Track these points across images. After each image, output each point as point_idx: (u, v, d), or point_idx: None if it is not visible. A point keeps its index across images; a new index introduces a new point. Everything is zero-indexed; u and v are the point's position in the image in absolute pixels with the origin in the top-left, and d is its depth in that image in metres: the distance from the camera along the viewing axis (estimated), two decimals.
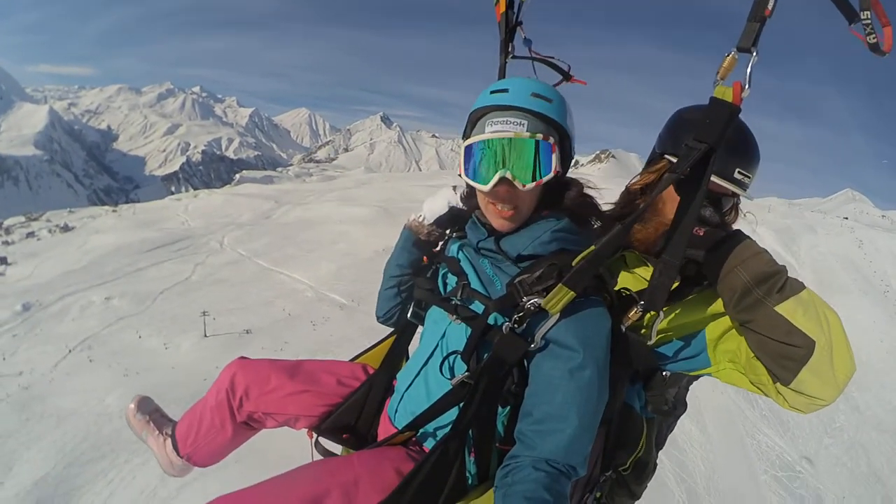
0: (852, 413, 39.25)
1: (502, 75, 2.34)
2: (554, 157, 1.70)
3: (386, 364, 2.41)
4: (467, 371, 1.73)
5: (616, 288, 1.88)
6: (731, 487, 31.21)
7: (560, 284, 1.57)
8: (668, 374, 2.02)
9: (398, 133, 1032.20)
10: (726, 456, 33.63)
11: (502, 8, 2.23)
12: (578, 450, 1.57)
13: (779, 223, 75.85)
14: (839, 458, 35.08)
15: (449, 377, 1.78)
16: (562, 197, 1.83)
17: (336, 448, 2.37)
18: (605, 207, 2.16)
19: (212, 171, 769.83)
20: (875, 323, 49.53)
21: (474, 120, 1.81)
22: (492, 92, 1.77)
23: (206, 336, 49.93)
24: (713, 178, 1.82)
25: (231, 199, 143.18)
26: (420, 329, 2.22)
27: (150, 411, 2.59)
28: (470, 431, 1.71)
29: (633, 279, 2.02)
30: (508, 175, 1.69)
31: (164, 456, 2.44)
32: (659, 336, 1.80)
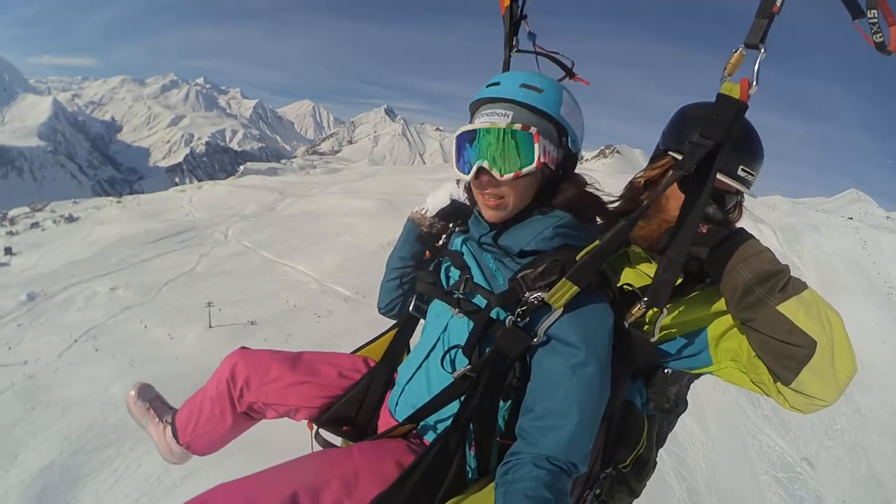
0: (854, 415, 39.33)
1: (507, 69, 2.31)
2: (537, 148, 1.66)
3: (387, 357, 2.40)
4: (469, 365, 1.72)
5: (619, 284, 1.86)
6: (732, 487, 31.35)
7: (564, 279, 1.55)
8: (670, 371, 2.01)
9: (402, 126, 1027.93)
10: (727, 455, 33.73)
11: (507, 1, 2.22)
12: (579, 446, 1.56)
13: (783, 222, 75.81)
14: (840, 459, 35.18)
15: (450, 371, 1.76)
16: (562, 192, 1.79)
17: (336, 440, 2.35)
18: (608, 203, 2.15)
19: (216, 162, 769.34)
20: (878, 325, 49.53)
21: (471, 113, 1.84)
22: (487, 86, 1.79)
23: (210, 327, 50.18)
24: (718, 176, 1.75)
25: (235, 190, 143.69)
26: (422, 322, 2.19)
27: (151, 398, 2.58)
28: (471, 425, 1.71)
29: (637, 275, 2.02)
30: (486, 164, 1.69)
31: (164, 443, 2.44)
32: (661, 333, 1.77)
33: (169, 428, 2.44)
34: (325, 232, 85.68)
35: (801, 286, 1.59)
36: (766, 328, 1.57)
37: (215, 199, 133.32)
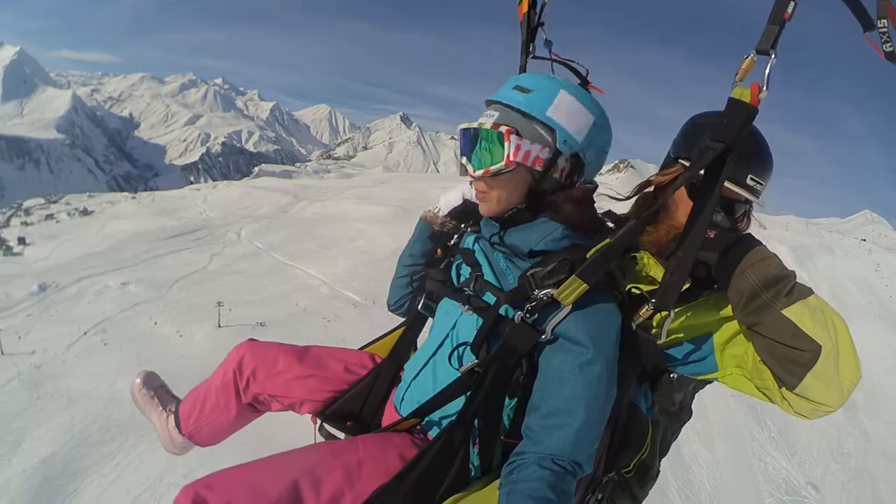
0: (861, 439, 38.84)
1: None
2: (507, 146, 1.70)
3: (394, 354, 2.41)
4: (476, 361, 1.74)
5: (627, 287, 1.87)
6: None
7: (574, 276, 1.57)
8: (675, 377, 2.05)
9: (417, 133, 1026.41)
10: (733, 477, 33.37)
11: (525, 8, 2.25)
12: (585, 446, 1.57)
13: (796, 241, 75.11)
14: (845, 484, 34.73)
15: (457, 367, 1.78)
16: (558, 207, 1.79)
17: (340, 435, 2.37)
18: (620, 199, 2.24)
19: (231, 162, 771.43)
20: (888, 348, 48.86)
21: None
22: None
23: (220, 326, 50.09)
24: (726, 184, 1.80)
25: (249, 191, 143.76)
26: (430, 322, 2.23)
27: (156, 387, 2.60)
28: (476, 422, 1.73)
29: (645, 279, 2.01)
30: (464, 161, 1.81)
31: (166, 433, 2.45)
32: (668, 337, 1.78)
33: (172, 417, 2.45)
34: (338, 236, 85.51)
35: (807, 291, 1.60)
36: (771, 332, 1.58)
37: (229, 200, 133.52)
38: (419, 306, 2.32)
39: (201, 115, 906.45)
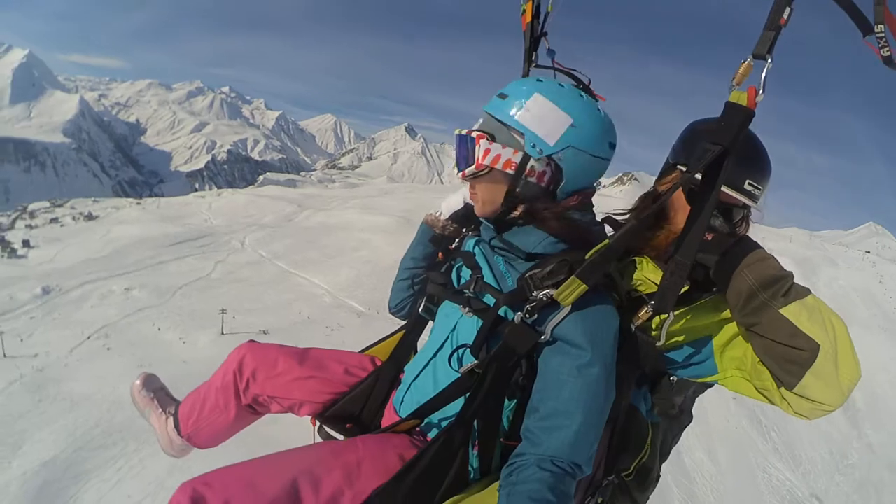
0: (865, 451, 38.54)
1: None
2: (477, 150, 1.77)
3: (394, 357, 2.40)
4: (476, 362, 1.74)
5: (627, 289, 1.91)
6: None
7: (573, 276, 1.58)
8: (675, 379, 2.03)
9: (422, 144, 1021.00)
10: (737, 488, 33.13)
11: (528, 18, 2.29)
12: (584, 447, 1.58)
13: (800, 254, 74.69)
14: (849, 496, 34.48)
15: (457, 369, 1.79)
16: (543, 218, 1.82)
17: (339, 437, 2.33)
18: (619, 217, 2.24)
19: (236, 170, 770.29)
20: (893, 359, 48.26)
21: None
22: None
23: (223, 334, 50.10)
24: (724, 189, 1.83)
25: (254, 199, 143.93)
26: (430, 325, 2.24)
27: (156, 389, 2.59)
28: (475, 423, 1.73)
29: (644, 283, 2.02)
30: (453, 164, 1.90)
31: (165, 435, 2.44)
32: (668, 339, 1.80)
33: (171, 419, 2.44)
34: (342, 246, 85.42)
35: (805, 291, 1.62)
36: (769, 332, 1.60)
37: (234, 207, 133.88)
38: (420, 309, 2.31)
39: (208, 122, 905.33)
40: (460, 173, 1.86)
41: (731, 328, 1.80)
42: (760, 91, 1.46)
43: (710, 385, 2.11)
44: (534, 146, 1.73)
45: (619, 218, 2.19)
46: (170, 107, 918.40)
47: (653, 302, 1.69)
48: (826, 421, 38.73)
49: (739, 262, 1.66)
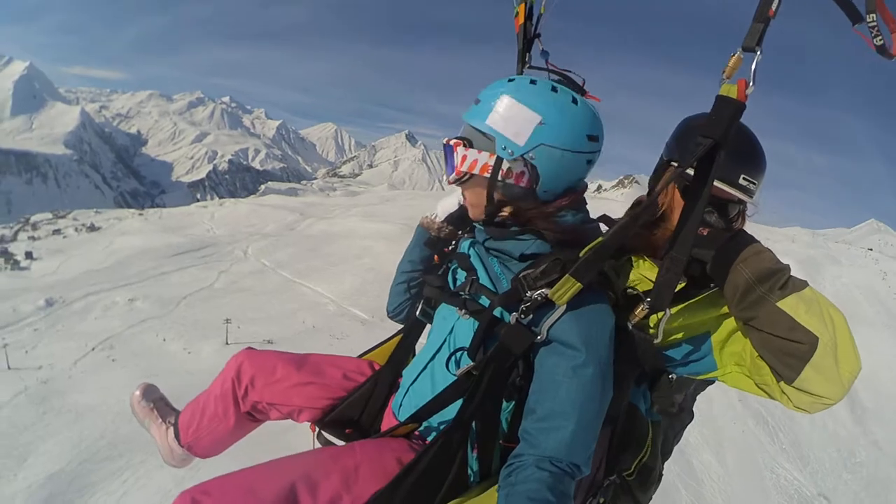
0: (872, 448, 38.58)
1: None
2: (455, 157, 1.81)
3: (392, 361, 2.41)
4: (473, 364, 1.75)
5: (623, 288, 1.90)
6: None
7: (567, 275, 1.58)
8: (675, 377, 2.04)
9: (422, 151, 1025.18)
10: (745, 489, 33.20)
11: (521, 20, 2.32)
12: (582, 447, 1.59)
13: (803, 254, 74.86)
14: (857, 494, 34.50)
15: (454, 372, 1.80)
16: (532, 218, 1.83)
17: (338, 443, 2.31)
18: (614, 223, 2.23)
19: (237, 180, 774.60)
20: None
21: None
22: None
23: (227, 343, 50.31)
24: (719, 184, 1.83)
25: (256, 209, 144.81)
26: (428, 328, 2.25)
27: (155, 399, 2.60)
28: (473, 425, 1.74)
29: (640, 281, 2.04)
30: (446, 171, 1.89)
31: (166, 445, 2.45)
32: (666, 337, 1.82)
33: (171, 429, 2.45)
34: (345, 254, 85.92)
35: (802, 284, 1.62)
36: (767, 326, 1.59)
37: (236, 217, 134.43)
38: (417, 313, 2.30)
39: (208, 132, 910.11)
40: (446, 178, 1.88)
41: (730, 324, 1.81)
42: (751, 83, 1.47)
43: (710, 382, 2.14)
44: (504, 148, 1.73)
45: (614, 217, 2.15)
46: (171, 117, 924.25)
47: (649, 299, 1.71)
48: (832, 419, 39.15)
49: (735, 256, 1.67)
